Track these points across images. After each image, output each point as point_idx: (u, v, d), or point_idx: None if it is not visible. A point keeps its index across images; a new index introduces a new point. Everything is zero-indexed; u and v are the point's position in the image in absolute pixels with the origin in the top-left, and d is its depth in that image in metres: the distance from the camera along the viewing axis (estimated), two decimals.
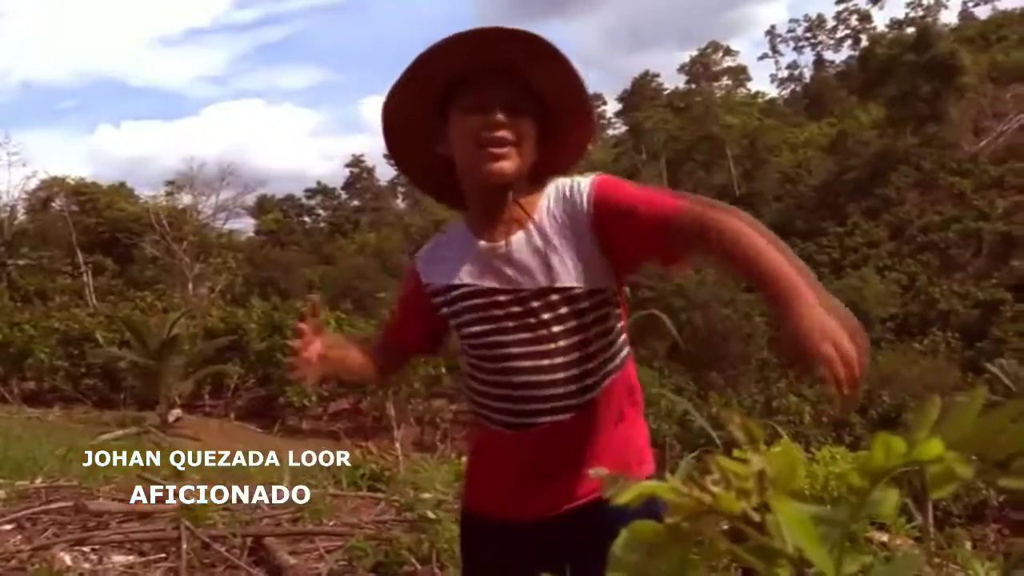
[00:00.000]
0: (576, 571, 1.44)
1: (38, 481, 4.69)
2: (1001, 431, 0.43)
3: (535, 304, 1.49)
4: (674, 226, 1.36)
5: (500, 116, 1.45)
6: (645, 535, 0.48)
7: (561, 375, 1.49)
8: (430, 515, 3.50)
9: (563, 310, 1.49)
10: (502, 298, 1.51)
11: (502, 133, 1.46)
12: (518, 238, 1.51)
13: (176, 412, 20.28)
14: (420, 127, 1.55)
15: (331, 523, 3.97)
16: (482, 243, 1.54)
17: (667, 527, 0.47)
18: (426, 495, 4.11)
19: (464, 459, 4.03)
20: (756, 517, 0.46)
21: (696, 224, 1.35)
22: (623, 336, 1.58)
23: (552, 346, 1.49)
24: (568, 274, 1.49)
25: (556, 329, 1.49)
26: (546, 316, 1.49)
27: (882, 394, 21.45)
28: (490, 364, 1.54)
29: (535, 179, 1.56)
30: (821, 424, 19.76)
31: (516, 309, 1.50)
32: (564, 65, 1.47)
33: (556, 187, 1.54)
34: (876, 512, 0.46)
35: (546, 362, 1.49)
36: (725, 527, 0.48)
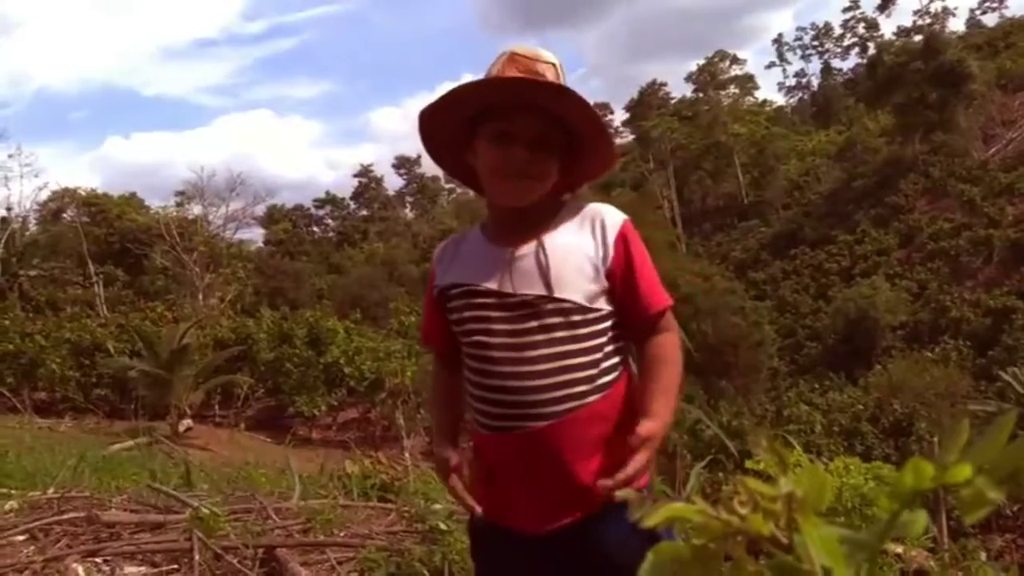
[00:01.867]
0: None
1: (50, 491, 4.70)
2: None
3: (526, 311, 1.55)
4: (652, 319, 1.61)
5: (523, 153, 1.55)
6: (672, 556, 0.48)
7: (536, 383, 1.52)
8: (442, 526, 3.49)
9: (553, 320, 1.54)
10: (496, 300, 1.58)
11: (524, 168, 1.56)
12: (528, 247, 1.58)
13: (187, 422, 20.31)
14: (452, 136, 1.65)
15: (342, 534, 3.96)
16: (492, 247, 1.64)
17: (694, 548, 0.47)
18: (437, 506, 4.10)
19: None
20: (784, 539, 0.46)
21: (654, 332, 1.61)
22: (617, 358, 1.61)
23: (532, 353, 1.53)
24: (568, 288, 1.55)
25: (540, 338, 1.54)
26: (534, 324, 1.54)
27: (893, 403, 21.28)
28: (475, 364, 1.60)
29: (554, 194, 1.66)
30: (832, 434, 19.62)
31: (507, 314, 1.56)
32: (587, 107, 1.56)
33: (583, 211, 1.64)
34: (905, 533, 0.45)
35: (523, 368, 1.53)
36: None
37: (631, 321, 1.61)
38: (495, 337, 1.57)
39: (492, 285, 1.59)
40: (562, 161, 1.61)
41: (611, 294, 1.59)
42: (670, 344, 1.62)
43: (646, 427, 1.46)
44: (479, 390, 1.60)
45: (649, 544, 1.42)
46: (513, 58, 1.63)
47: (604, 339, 1.58)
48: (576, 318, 1.55)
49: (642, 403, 1.54)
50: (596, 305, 1.57)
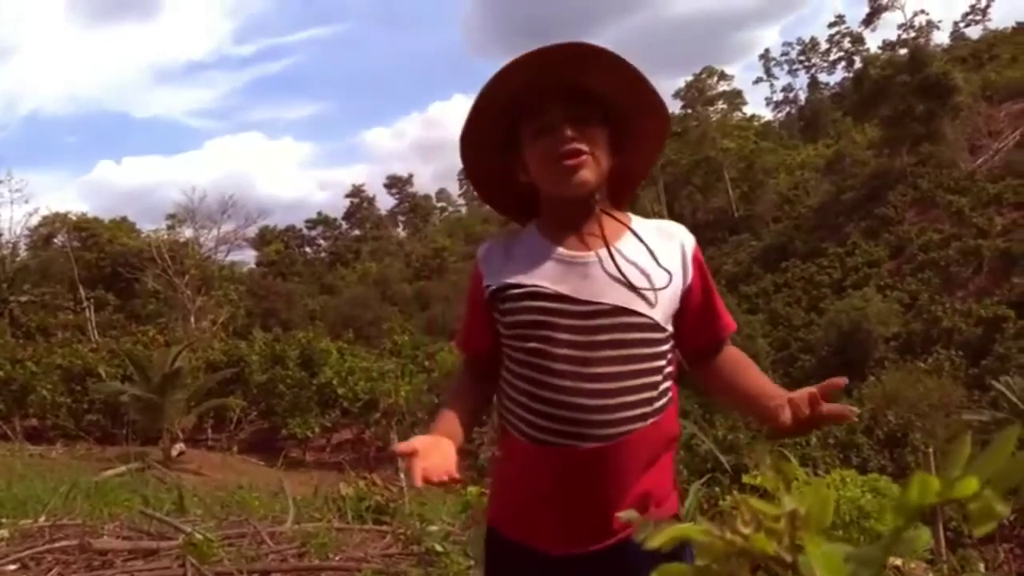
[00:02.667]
0: None
1: (41, 520, 4.66)
2: None
3: (601, 322, 1.45)
4: (724, 342, 1.58)
5: (568, 131, 1.46)
6: None
7: (598, 401, 1.42)
8: (438, 548, 3.47)
9: (625, 336, 1.45)
10: (565, 306, 1.46)
11: (574, 145, 1.46)
12: (604, 253, 1.49)
13: (179, 446, 20.14)
14: (496, 160, 1.58)
15: (337, 558, 3.93)
16: (562, 250, 1.51)
17: (698, 570, 0.47)
18: (433, 527, 4.07)
19: (470, 489, 4.00)
20: (788, 558, 0.46)
21: (724, 351, 1.58)
22: (670, 382, 1.52)
23: (598, 370, 1.43)
24: (646, 302, 1.46)
25: (609, 353, 1.44)
26: (604, 337, 1.44)
27: (887, 414, 21.30)
28: (528, 372, 1.47)
29: (619, 187, 1.58)
30: (828, 446, 19.60)
31: (575, 322, 1.45)
32: (618, 62, 1.47)
33: (654, 223, 1.58)
34: (909, 549, 0.47)
35: (586, 385, 1.42)
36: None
37: (703, 343, 1.56)
38: (558, 347, 1.44)
39: (563, 289, 1.47)
40: (610, 136, 1.52)
41: (677, 315, 1.52)
42: (738, 353, 1.59)
43: (799, 394, 1.37)
44: (531, 400, 1.47)
45: None
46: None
47: (665, 361, 1.49)
48: (648, 335, 1.46)
49: (764, 393, 1.46)
50: (667, 325, 1.49)
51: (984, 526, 0.43)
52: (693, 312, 1.52)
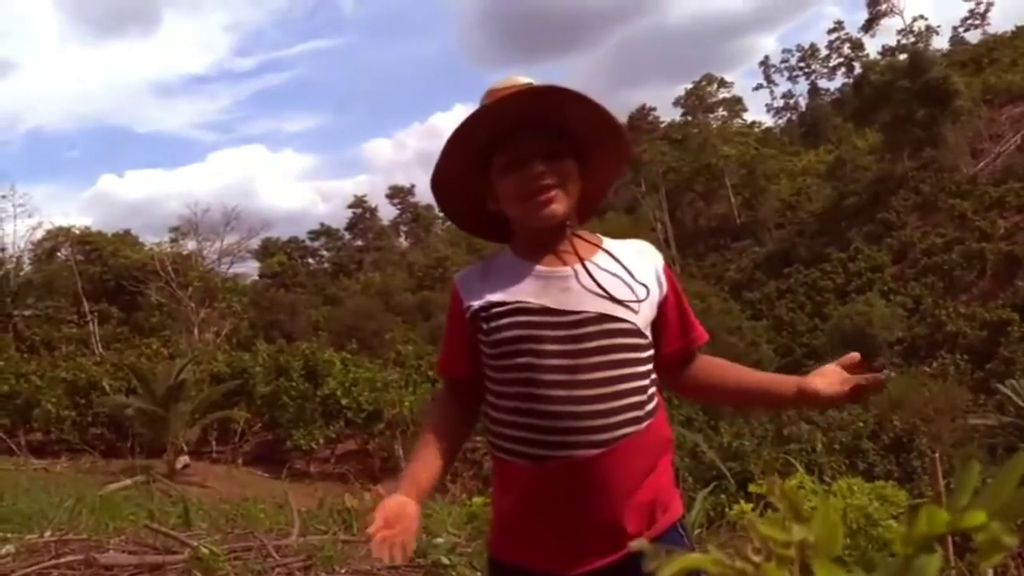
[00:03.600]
0: None
1: (47, 534, 4.65)
2: None
3: (587, 330, 1.48)
4: (696, 351, 1.68)
5: (539, 166, 1.52)
6: None
7: (590, 407, 1.44)
8: (444, 560, 3.45)
9: (611, 341, 1.48)
10: (549, 318, 1.49)
11: (545, 182, 1.52)
12: (580, 268, 1.53)
13: (184, 459, 20.14)
14: (467, 188, 1.62)
15: (343, 570, 3.92)
16: (539, 267, 1.56)
17: None
18: (439, 539, 4.06)
19: (475, 500, 4.00)
20: None
21: (698, 358, 1.69)
22: (655, 389, 1.56)
23: (588, 376, 1.45)
24: (627, 309, 1.51)
25: (597, 360, 1.46)
26: (591, 344, 1.47)
27: (893, 419, 21.24)
28: (518, 388, 1.49)
29: (582, 206, 1.64)
30: (834, 452, 19.53)
31: (564, 333, 1.48)
32: (584, 100, 1.52)
33: (630, 242, 1.67)
34: None
35: (577, 392, 1.45)
36: None
37: (679, 351, 1.64)
38: (547, 359, 1.47)
39: (546, 302, 1.50)
40: (579, 166, 1.58)
41: (655, 325, 1.58)
42: (711, 359, 1.71)
43: (825, 372, 1.61)
44: (522, 416, 1.48)
45: None
46: (491, 94, 1.62)
47: (649, 367, 1.54)
48: (633, 340, 1.51)
49: (772, 384, 1.65)
50: (647, 332, 1.55)
51: (990, 559, 0.43)
52: (670, 322, 1.60)
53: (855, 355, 1.53)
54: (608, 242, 1.63)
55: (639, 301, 1.52)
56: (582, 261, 1.53)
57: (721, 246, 51.62)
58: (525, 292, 1.53)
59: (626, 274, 1.54)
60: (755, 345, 33.96)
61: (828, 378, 1.57)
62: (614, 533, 1.45)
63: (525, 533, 1.53)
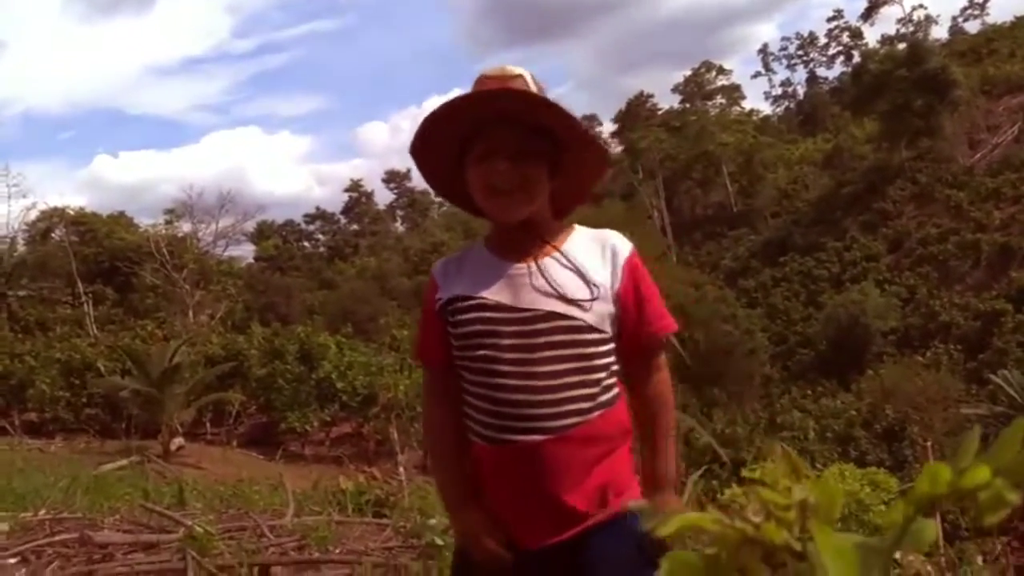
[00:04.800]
0: None
1: (41, 513, 4.66)
2: None
3: (539, 326, 1.57)
4: (658, 343, 1.69)
5: (504, 164, 1.58)
6: (686, 565, 0.48)
7: (541, 396, 1.54)
8: (438, 541, 3.47)
9: (562, 337, 1.57)
10: (506, 314, 1.59)
11: (507, 180, 1.59)
12: (540, 263, 1.62)
13: (178, 441, 20.13)
14: (446, 166, 1.69)
15: (337, 550, 3.94)
16: (501, 261, 1.65)
17: (707, 558, 0.47)
18: (432, 520, 4.08)
19: None
20: (798, 547, 0.46)
21: (653, 368, 1.69)
22: (615, 379, 1.64)
23: (540, 369, 1.55)
24: (579, 306, 1.58)
25: (548, 354, 1.56)
26: (543, 340, 1.56)
27: (885, 408, 21.35)
28: (479, 377, 1.60)
29: (559, 208, 1.72)
30: (826, 440, 19.65)
31: (517, 328, 1.57)
32: (560, 111, 1.58)
33: (593, 234, 1.70)
34: (917, 541, 0.46)
35: (530, 382, 1.54)
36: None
37: (635, 345, 1.66)
38: (504, 352, 1.57)
39: (503, 299, 1.60)
40: (552, 171, 1.63)
41: (615, 318, 1.62)
42: (666, 384, 1.71)
43: (663, 505, 1.61)
44: (483, 402, 1.59)
45: (642, 562, 1.47)
46: (482, 80, 1.68)
47: (606, 360, 1.61)
48: (584, 336, 1.58)
49: (649, 465, 1.67)
50: (602, 327, 1.60)
51: (992, 515, 0.43)
52: (628, 315, 1.63)
53: None
54: (571, 239, 1.67)
55: (591, 300, 1.58)
56: (540, 258, 1.62)
57: (717, 234, 51.59)
58: (486, 288, 1.62)
59: (578, 275, 1.60)
60: (750, 333, 34.01)
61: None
62: (564, 513, 1.55)
63: (489, 508, 1.64)
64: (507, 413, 1.55)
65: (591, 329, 1.58)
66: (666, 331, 1.68)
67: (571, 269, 1.60)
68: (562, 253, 1.63)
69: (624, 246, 1.67)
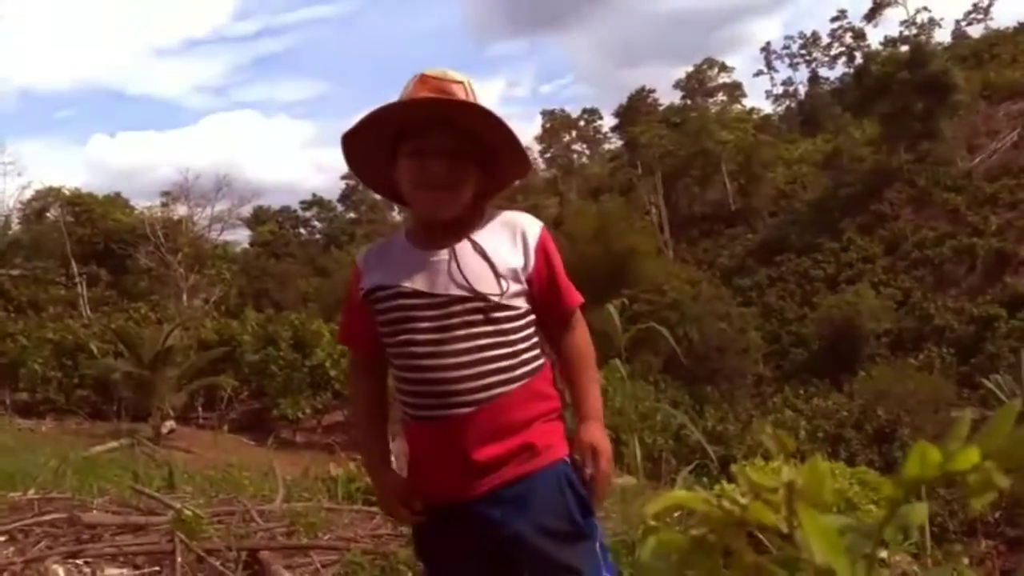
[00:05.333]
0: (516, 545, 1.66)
1: (31, 492, 4.64)
2: None
3: (452, 309, 1.67)
4: (569, 315, 1.82)
5: (440, 164, 1.67)
6: (672, 546, 0.48)
7: (456, 373, 1.65)
8: None
9: (475, 317, 1.67)
10: (422, 300, 1.69)
11: (441, 179, 1.68)
12: (456, 249, 1.71)
13: (169, 424, 20.13)
14: (375, 155, 1.78)
15: (326, 537, 3.94)
16: (418, 251, 1.75)
17: (694, 538, 0.47)
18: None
19: None
20: (785, 528, 0.46)
21: (569, 330, 1.82)
22: (536, 351, 1.75)
23: (454, 347, 1.66)
24: (490, 287, 1.68)
25: (460, 333, 1.66)
26: (457, 320, 1.67)
27: (877, 409, 21.44)
28: (401, 360, 1.72)
29: (482, 196, 1.80)
30: (817, 439, 19.73)
31: (432, 312, 1.68)
32: (496, 121, 1.68)
33: (503, 218, 1.79)
34: (906, 523, 0.46)
35: (445, 360, 1.66)
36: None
37: (551, 318, 1.79)
38: (420, 334, 1.68)
39: (419, 286, 1.70)
40: (479, 171, 1.74)
41: (529, 295, 1.73)
42: (584, 339, 1.83)
43: (588, 432, 1.72)
44: (406, 384, 1.72)
45: (572, 525, 1.67)
46: (423, 79, 1.76)
47: (522, 335, 1.72)
48: (496, 315, 1.68)
49: (576, 404, 1.77)
50: (515, 303, 1.71)
51: (980, 497, 0.44)
52: (540, 292, 1.74)
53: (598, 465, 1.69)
54: (483, 230, 1.76)
55: (501, 293, 1.68)
56: (462, 242, 1.72)
57: (714, 232, 51.62)
58: (404, 276, 1.72)
59: (489, 266, 1.70)
60: (743, 332, 34.09)
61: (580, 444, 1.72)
62: (496, 462, 1.68)
63: (425, 478, 1.78)
64: (426, 391, 1.68)
65: (505, 307, 1.69)
66: (574, 304, 1.81)
67: (483, 258, 1.70)
68: (475, 242, 1.72)
69: (534, 228, 1.77)
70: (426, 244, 1.75)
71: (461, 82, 1.77)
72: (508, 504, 1.66)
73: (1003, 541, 13.21)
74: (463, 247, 1.71)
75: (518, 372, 1.69)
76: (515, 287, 1.70)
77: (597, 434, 1.72)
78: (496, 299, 1.67)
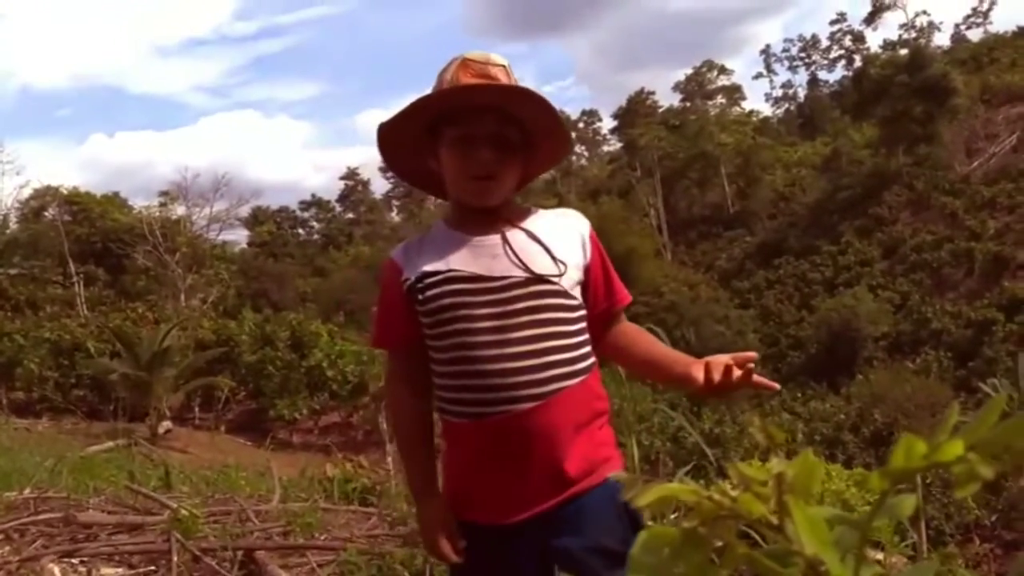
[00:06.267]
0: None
1: (26, 492, 4.64)
2: (1020, 435, 0.43)
3: (516, 292, 1.58)
4: (620, 312, 1.77)
5: (486, 152, 1.60)
6: (663, 539, 0.48)
7: (520, 364, 1.55)
8: None
9: (539, 302, 1.59)
10: (479, 285, 1.59)
11: (487, 169, 1.62)
12: (509, 233, 1.64)
13: (166, 424, 20.10)
14: (412, 144, 1.70)
15: (322, 537, 3.94)
16: (465, 236, 1.66)
17: (684, 531, 0.47)
18: None
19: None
20: (775, 520, 0.46)
21: (619, 322, 1.78)
22: (589, 347, 1.66)
23: (517, 335, 1.56)
24: (549, 268, 1.61)
25: (525, 319, 1.57)
26: (520, 306, 1.58)
27: (874, 412, 21.45)
28: (454, 352, 1.60)
29: (519, 185, 1.76)
30: (814, 442, 19.72)
31: (490, 297, 1.58)
32: (544, 102, 1.62)
33: (554, 212, 1.76)
34: (894, 516, 0.46)
35: (508, 350, 1.55)
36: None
37: (602, 315, 1.72)
38: (478, 322, 1.57)
39: (475, 269, 1.61)
40: (523, 158, 1.69)
41: (584, 289, 1.68)
42: (635, 327, 1.81)
43: (699, 362, 1.61)
44: (459, 378, 1.60)
45: (622, 528, 1.49)
46: (465, 64, 1.68)
47: (579, 327, 1.64)
48: (559, 301, 1.61)
49: (667, 359, 1.70)
50: (575, 293, 1.65)
51: (965, 489, 0.44)
52: (594, 285, 1.70)
53: (752, 354, 1.58)
54: (534, 218, 1.71)
55: (559, 275, 1.61)
56: (518, 226, 1.65)
57: (713, 234, 51.64)
58: (457, 261, 1.62)
59: (545, 250, 1.63)
60: (741, 334, 34.10)
61: (710, 366, 1.58)
62: (555, 476, 1.57)
63: (472, 489, 1.66)
64: (487, 385, 1.56)
65: (567, 295, 1.62)
66: (627, 301, 1.77)
67: (538, 243, 1.63)
68: (527, 229, 1.66)
69: (584, 223, 1.73)
70: (473, 231, 1.66)
71: (503, 66, 1.70)
72: (560, 522, 1.58)
73: (999, 544, 13.21)
74: (515, 233, 1.64)
75: (579, 366, 1.61)
76: (574, 274, 1.64)
77: (707, 358, 1.61)
78: (557, 281, 1.60)
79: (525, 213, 1.72)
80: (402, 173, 1.86)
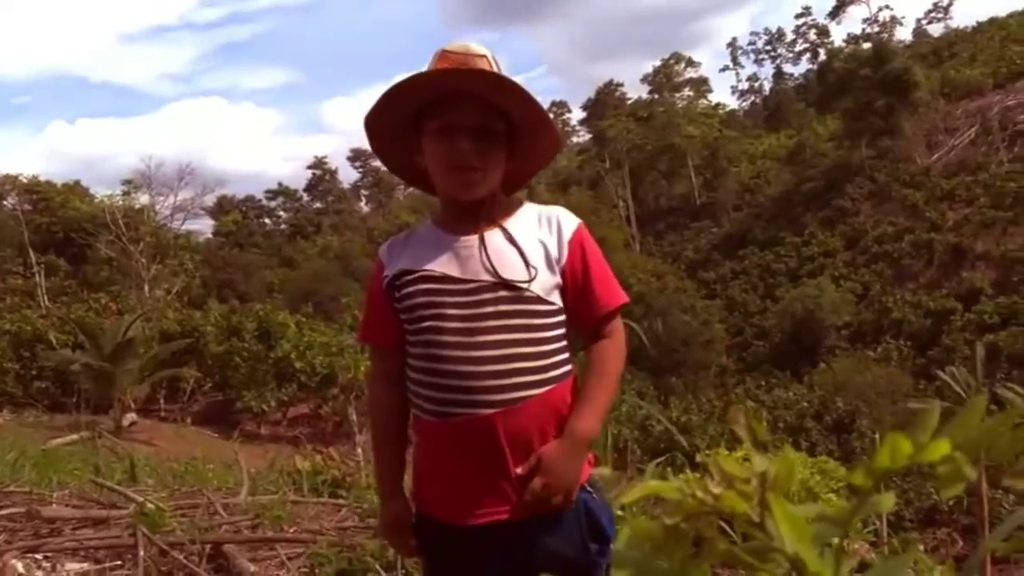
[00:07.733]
0: None
1: None
2: (1003, 435, 0.44)
3: (484, 296, 1.56)
4: (605, 316, 1.66)
5: (467, 142, 1.57)
6: (646, 535, 0.49)
7: (486, 368, 1.53)
8: None
9: (507, 307, 1.56)
10: (450, 285, 1.58)
11: (469, 161, 1.58)
12: (486, 235, 1.61)
13: (131, 416, 19.78)
14: (398, 137, 1.67)
15: (292, 530, 3.92)
16: (447, 235, 1.64)
17: (666, 527, 0.48)
18: None
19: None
20: (757, 517, 0.47)
21: (601, 336, 1.66)
22: (566, 355, 1.62)
23: (484, 338, 1.54)
24: (518, 274, 1.57)
25: (492, 323, 1.55)
26: (489, 309, 1.55)
27: (836, 400, 21.85)
28: (424, 350, 1.59)
29: (508, 185, 1.70)
30: (778, 430, 20.05)
31: (461, 299, 1.57)
32: (525, 93, 1.58)
33: (540, 210, 1.68)
34: (875, 512, 0.48)
35: (475, 353, 1.53)
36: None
37: (584, 317, 1.65)
38: (448, 322, 1.56)
39: (447, 270, 1.60)
40: (507, 151, 1.64)
41: (563, 291, 1.62)
42: (614, 352, 1.66)
43: (553, 448, 1.54)
44: (428, 376, 1.58)
45: (582, 554, 1.52)
46: (445, 55, 1.65)
47: (554, 333, 1.60)
48: (530, 307, 1.57)
49: (576, 408, 1.59)
50: (550, 298, 1.60)
51: (950, 488, 0.45)
52: (574, 288, 1.62)
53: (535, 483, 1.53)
54: (518, 215, 1.66)
55: (528, 280, 1.57)
56: (497, 227, 1.62)
57: (680, 225, 52.09)
58: (431, 261, 1.62)
59: (517, 253, 1.59)
60: (707, 324, 34.49)
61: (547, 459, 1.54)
62: (506, 489, 1.55)
63: (433, 485, 1.65)
64: (452, 386, 1.54)
65: (539, 300, 1.58)
66: (611, 305, 1.65)
67: (514, 246, 1.59)
68: (506, 229, 1.62)
69: (570, 222, 1.66)
70: (455, 229, 1.64)
71: (484, 55, 1.66)
72: (518, 530, 1.55)
73: (957, 529, 13.56)
74: (493, 234, 1.61)
75: (550, 375, 1.56)
76: (546, 277, 1.58)
77: (561, 452, 1.53)
78: (523, 287, 1.56)
79: (511, 209, 1.67)
80: (396, 170, 1.83)
